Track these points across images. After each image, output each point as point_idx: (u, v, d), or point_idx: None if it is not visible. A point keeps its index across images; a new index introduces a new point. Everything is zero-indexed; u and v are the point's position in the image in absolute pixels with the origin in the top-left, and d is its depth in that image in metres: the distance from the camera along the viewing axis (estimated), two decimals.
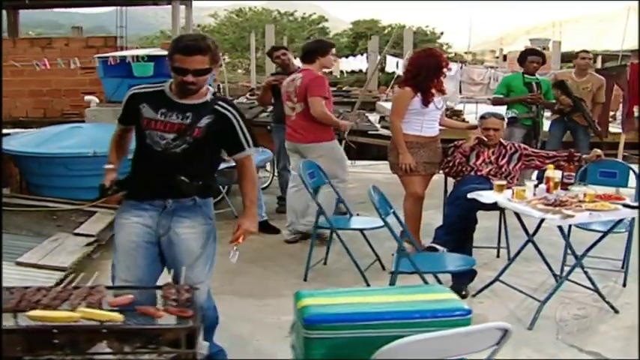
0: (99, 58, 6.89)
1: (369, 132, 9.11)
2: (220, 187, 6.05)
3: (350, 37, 41.50)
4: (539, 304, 3.63)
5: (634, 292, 4.09)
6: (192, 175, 2.61)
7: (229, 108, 2.65)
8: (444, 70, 4.50)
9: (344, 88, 18.56)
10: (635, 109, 7.23)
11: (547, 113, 6.90)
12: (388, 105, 11.22)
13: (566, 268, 4.22)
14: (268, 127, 6.22)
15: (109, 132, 4.59)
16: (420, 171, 4.58)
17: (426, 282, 3.34)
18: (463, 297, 3.96)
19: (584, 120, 6.53)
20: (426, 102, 4.46)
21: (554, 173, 3.83)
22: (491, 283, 3.99)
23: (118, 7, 10.45)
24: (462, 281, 4.06)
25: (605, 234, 3.75)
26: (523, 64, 6.31)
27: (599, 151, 4.50)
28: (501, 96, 6.32)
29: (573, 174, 4.00)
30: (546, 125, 6.94)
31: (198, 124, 2.57)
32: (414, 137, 4.57)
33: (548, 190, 3.74)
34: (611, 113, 8.34)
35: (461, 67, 10.97)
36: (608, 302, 3.77)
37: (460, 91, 11.20)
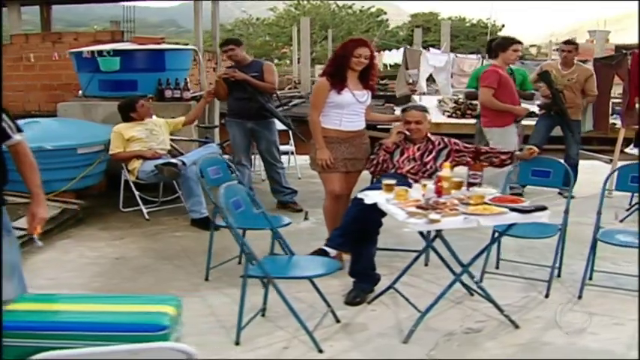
0: (70, 53, 6.96)
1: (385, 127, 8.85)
2: (175, 183, 5.98)
3: (409, 29, 40.86)
4: (434, 315, 3.35)
5: (554, 304, 3.70)
6: None
7: None
8: (354, 58, 4.18)
9: (381, 82, 18.16)
10: (636, 100, 6.59)
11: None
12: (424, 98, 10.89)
13: (494, 273, 3.92)
14: (222, 122, 6.08)
15: (66, 127, 4.32)
16: (339, 168, 4.31)
17: (276, 287, 3.12)
18: (357, 303, 3.71)
19: (563, 112, 6.09)
20: (338, 89, 4.18)
21: (448, 172, 3.47)
22: (385, 290, 3.70)
23: (127, 3, 10.52)
24: (362, 287, 3.80)
25: (494, 240, 3.39)
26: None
27: (534, 148, 4.11)
28: (473, 89, 6.00)
29: (480, 173, 3.64)
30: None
31: None
32: (334, 132, 4.30)
33: (437, 191, 3.42)
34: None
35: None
36: (506, 316, 3.40)
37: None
